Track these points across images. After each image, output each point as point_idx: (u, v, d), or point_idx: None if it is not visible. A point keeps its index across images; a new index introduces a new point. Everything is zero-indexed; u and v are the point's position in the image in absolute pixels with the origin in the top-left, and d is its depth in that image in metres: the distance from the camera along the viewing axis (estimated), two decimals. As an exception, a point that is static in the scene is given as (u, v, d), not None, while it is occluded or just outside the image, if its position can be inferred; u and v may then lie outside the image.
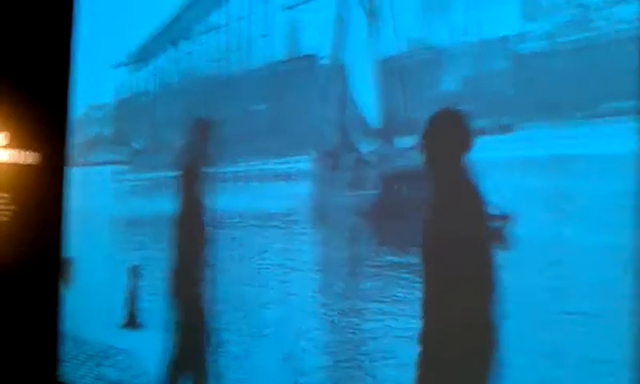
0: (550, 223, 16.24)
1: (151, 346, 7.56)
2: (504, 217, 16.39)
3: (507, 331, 8.46)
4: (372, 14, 24.83)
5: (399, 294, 10.60)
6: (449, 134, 2.85)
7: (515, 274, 12.25)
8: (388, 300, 10.32)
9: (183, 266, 4.07)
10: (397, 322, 9.09)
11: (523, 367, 7.25)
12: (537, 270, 12.20)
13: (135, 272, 8.49)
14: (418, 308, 9.86)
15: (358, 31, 25.72)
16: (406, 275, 12.66)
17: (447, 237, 2.67)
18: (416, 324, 8.96)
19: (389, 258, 14.59)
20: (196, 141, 4.29)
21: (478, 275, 2.69)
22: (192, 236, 4.35)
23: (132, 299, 8.38)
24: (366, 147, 24.34)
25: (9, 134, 9.74)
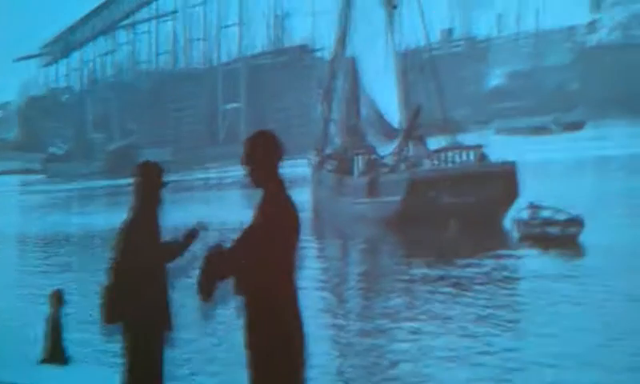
0: (628, 227, 17.55)
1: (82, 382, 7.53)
2: (575, 222, 17.80)
3: (584, 342, 9.36)
4: (392, 2, 26.68)
5: (438, 311, 11.41)
6: (261, 155, 3.84)
7: (590, 282, 13.24)
8: (424, 317, 11.11)
9: (138, 287, 4.39)
10: (438, 340, 9.86)
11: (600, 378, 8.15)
12: (613, 278, 13.23)
13: (59, 298, 8.29)
14: (465, 324, 10.63)
15: (373, 19, 27.24)
16: (447, 289, 13.51)
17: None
18: (464, 342, 9.73)
19: (422, 271, 15.45)
20: (147, 184, 4.74)
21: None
22: (151, 254, 4.75)
23: (56, 329, 8.20)
24: (387, 149, 25.61)
25: None
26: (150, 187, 4.70)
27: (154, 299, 4.54)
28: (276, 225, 3.67)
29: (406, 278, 14.05)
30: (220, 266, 3.73)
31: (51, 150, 68.89)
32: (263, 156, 3.79)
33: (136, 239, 4.55)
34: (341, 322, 11.58)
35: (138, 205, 4.66)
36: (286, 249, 3.69)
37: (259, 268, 3.65)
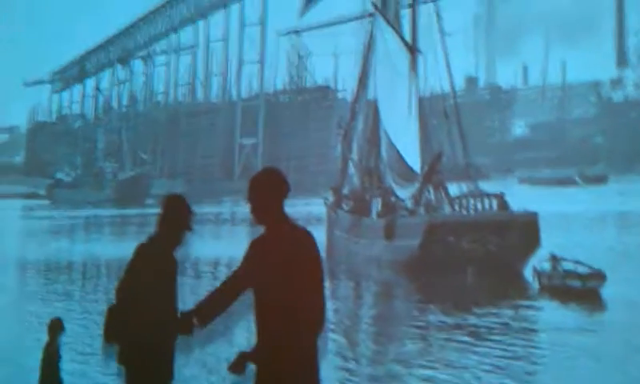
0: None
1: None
2: (596, 275, 17.89)
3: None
4: (415, 46, 27.56)
5: (453, 359, 11.48)
6: (263, 193, 3.84)
7: (610, 337, 13.26)
8: (438, 365, 11.19)
9: (147, 321, 4.44)
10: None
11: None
12: (635, 333, 13.22)
13: (58, 326, 8.28)
14: (480, 374, 10.72)
15: (396, 63, 28.20)
16: (463, 337, 13.58)
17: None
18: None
19: (438, 317, 15.51)
20: (176, 220, 4.60)
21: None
22: (163, 287, 4.80)
23: (53, 358, 8.18)
24: (406, 193, 25.92)
25: None
26: (178, 225, 4.64)
27: (159, 343, 4.48)
28: (269, 260, 3.76)
29: (421, 323, 14.14)
30: (204, 310, 3.83)
31: (59, 175, 69.61)
32: (264, 193, 3.89)
33: (149, 267, 4.52)
34: (352, 365, 11.66)
35: (160, 236, 4.60)
36: (291, 281, 3.74)
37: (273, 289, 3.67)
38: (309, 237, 3.82)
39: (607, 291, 15.53)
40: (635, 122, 71.11)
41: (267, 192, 3.88)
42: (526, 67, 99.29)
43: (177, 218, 4.60)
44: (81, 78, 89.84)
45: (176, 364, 4.64)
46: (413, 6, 24.06)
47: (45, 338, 8.21)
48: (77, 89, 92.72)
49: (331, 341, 12.32)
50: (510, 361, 11.29)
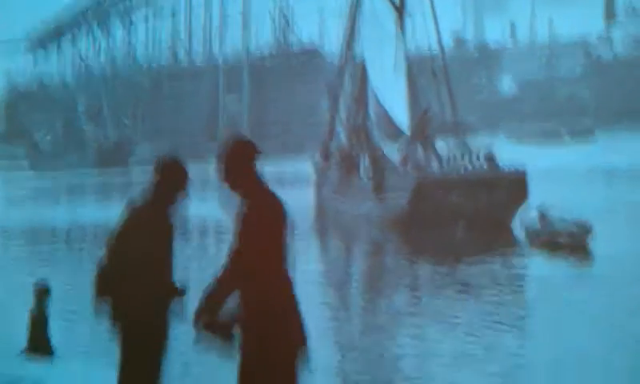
0: (634, 238, 17.84)
1: (68, 377, 7.67)
2: (584, 229, 18.27)
3: (581, 349, 9.77)
4: (403, 6, 27.51)
5: (442, 310, 11.76)
6: (231, 168, 3.92)
7: (592, 290, 13.66)
8: (428, 316, 11.49)
9: (141, 283, 4.47)
10: (442, 339, 10.25)
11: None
12: (615, 288, 13.67)
13: (44, 290, 8.43)
14: (469, 324, 11.01)
15: (384, 22, 28.18)
16: (452, 288, 13.88)
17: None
18: (468, 342, 10.11)
19: (428, 270, 15.86)
20: (166, 183, 4.63)
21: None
22: (155, 250, 4.56)
23: (40, 321, 8.39)
24: (394, 150, 26.20)
25: None
26: (173, 187, 4.66)
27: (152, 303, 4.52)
28: (263, 229, 3.84)
29: (411, 277, 14.47)
30: (215, 296, 3.90)
31: (39, 140, 68.96)
32: (233, 168, 3.94)
33: (141, 230, 4.56)
34: (343, 321, 11.92)
35: (154, 198, 4.64)
36: (275, 246, 3.85)
37: (256, 272, 3.79)
38: (278, 201, 3.91)
39: (594, 246, 15.89)
40: (623, 79, 71.53)
41: (236, 163, 3.94)
42: (513, 24, 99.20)
43: (172, 181, 4.64)
44: (58, 40, 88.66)
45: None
46: (399, -38, 23.95)
47: (31, 302, 8.33)
48: (58, 54, 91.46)
49: (323, 298, 12.57)
50: (498, 310, 11.59)
